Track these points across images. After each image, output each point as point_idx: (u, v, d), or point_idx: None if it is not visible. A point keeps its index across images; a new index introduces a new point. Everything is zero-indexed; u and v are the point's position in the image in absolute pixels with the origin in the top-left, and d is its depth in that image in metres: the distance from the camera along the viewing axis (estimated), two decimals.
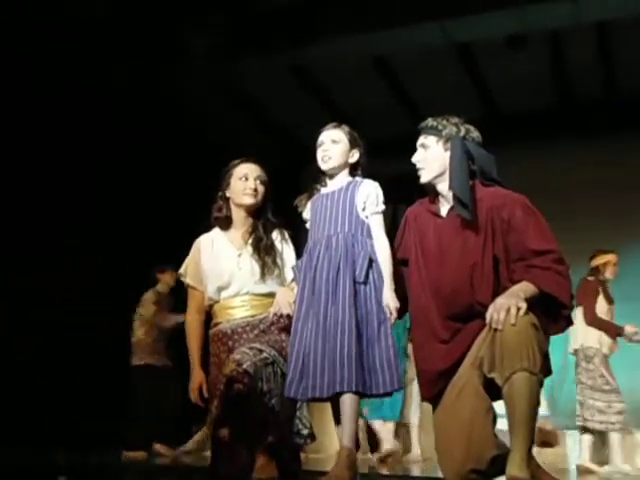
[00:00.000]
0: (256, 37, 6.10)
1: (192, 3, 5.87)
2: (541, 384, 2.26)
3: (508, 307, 2.26)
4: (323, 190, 2.96)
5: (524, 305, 2.27)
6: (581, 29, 5.95)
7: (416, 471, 5.22)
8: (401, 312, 2.72)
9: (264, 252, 3.07)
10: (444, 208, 2.68)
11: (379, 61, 6.78)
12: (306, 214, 2.99)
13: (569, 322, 2.48)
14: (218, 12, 6.00)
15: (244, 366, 2.72)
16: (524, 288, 2.36)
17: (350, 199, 2.85)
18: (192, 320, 3.13)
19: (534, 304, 2.32)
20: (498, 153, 2.78)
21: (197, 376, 3.02)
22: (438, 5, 5.64)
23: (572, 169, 7.40)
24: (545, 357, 2.32)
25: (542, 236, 2.48)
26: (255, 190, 3.12)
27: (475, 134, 2.68)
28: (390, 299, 2.69)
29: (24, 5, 5.46)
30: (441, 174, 2.65)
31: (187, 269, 3.17)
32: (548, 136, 7.46)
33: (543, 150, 7.48)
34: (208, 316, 3.15)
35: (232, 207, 3.17)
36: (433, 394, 2.58)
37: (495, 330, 2.27)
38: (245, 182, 3.12)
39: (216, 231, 3.20)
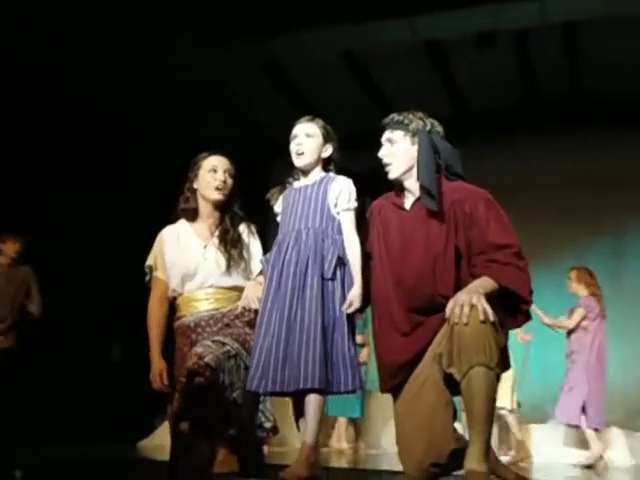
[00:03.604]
0: (225, 31, 6.07)
1: None
2: (498, 378, 2.26)
3: (467, 302, 2.26)
4: (296, 184, 2.94)
5: (483, 300, 2.27)
6: (548, 28, 6.01)
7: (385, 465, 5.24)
8: (363, 306, 2.72)
9: (230, 244, 3.05)
10: (408, 201, 2.68)
11: (348, 56, 6.79)
12: (277, 207, 2.97)
13: (527, 317, 2.48)
14: (192, 6, 5.98)
15: (206, 359, 2.71)
16: (484, 284, 2.37)
17: (322, 195, 2.82)
18: (154, 309, 3.11)
19: (493, 299, 2.32)
20: (466, 149, 2.79)
21: (157, 364, 3.01)
22: (406, 2, 5.66)
23: (539, 165, 7.48)
24: (503, 352, 2.32)
25: (503, 230, 2.50)
26: (224, 183, 3.10)
27: (439, 128, 2.69)
28: (355, 298, 2.67)
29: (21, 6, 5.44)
30: (409, 169, 2.65)
31: (156, 261, 3.15)
32: (514, 133, 7.53)
33: (510, 147, 7.55)
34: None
35: (199, 199, 3.15)
36: (392, 386, 2.58)
37: (454, 325, 2.27)
38: (214, 174, 3.10)
39: (182, 222, 3.17)
